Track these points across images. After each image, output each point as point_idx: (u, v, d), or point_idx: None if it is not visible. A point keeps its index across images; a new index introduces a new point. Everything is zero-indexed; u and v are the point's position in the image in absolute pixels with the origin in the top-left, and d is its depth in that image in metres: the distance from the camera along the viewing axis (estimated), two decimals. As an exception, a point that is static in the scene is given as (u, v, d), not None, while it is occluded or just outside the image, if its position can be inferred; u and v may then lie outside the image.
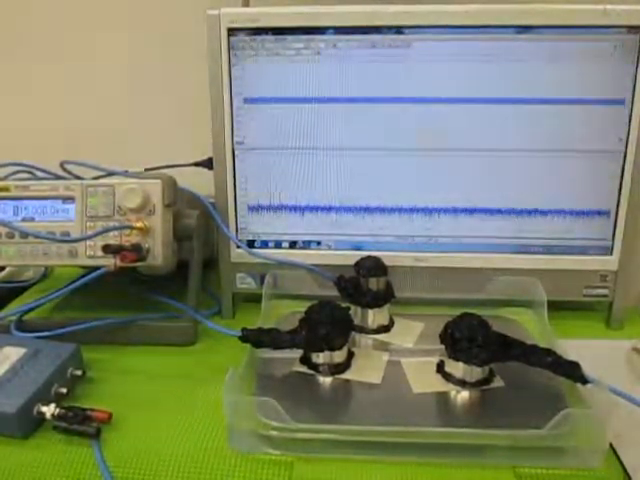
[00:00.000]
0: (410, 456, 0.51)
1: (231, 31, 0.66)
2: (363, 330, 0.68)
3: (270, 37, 0.67)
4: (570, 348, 0.59)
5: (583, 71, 0.65)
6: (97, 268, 0.62)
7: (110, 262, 0.61)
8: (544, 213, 0.69)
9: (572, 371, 0.54)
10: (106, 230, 0.61)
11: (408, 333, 0.68)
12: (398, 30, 0.65)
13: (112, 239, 0.63)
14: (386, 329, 0.68)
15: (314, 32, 0.66)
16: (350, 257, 0.70)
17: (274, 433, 0.51)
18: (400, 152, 0.69)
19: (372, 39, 0.66)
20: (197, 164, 0.77)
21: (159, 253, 0.63)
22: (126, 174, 0.68)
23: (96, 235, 0.61)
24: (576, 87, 0.66)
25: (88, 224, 0.64)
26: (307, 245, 0.73)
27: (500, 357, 0.56)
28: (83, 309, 0.76)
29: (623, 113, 0.66)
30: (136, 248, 0.60)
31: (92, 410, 0.54)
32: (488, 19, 0.65)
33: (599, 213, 0.69)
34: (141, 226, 0.62)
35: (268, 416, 0.50)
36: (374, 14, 0.65)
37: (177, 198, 0.66)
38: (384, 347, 0.66)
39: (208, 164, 0.72)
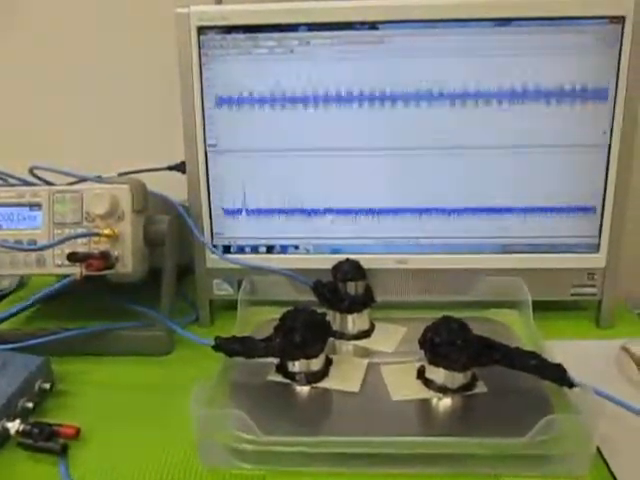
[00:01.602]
0: (389, 468, 0.49)
1: (201, 30, 0.64)
2: (343, 336, 0.66)
3: (241, 35, 0.65)
4: (558, 349, 0.58)
5: (564, 64, 0.63)
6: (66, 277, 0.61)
7: (78, 271, 0.59)
8: (528, 211, 0.67)
9: (557, 374, 0.52)
10: (69, 237, 0.59)
11: (389, 338, 0.65)
12: (372, 26, 0.64)
13: (81, 247, 0.61)
14: (366, 334, 0.66)
15: (286, 29, 0.64)
16: (329, 261, 0.67)
17: (245, 446, 0.49)
18: (378, 152, 0.67)
19: (346, 35, 0.64)
20: (171, 168, 0.75)
21: (129, 260, 0.61)
22: (98, 179, 0.66)
23: (59, 243, 0.59)
24: (558, 80, 0.64)
25: (56, 231, 0.62)
26: (284, 249, 0.71)
27: (481, 361, 0.54)
28: (57, 319, 0.73)
29: (607, 106, 0.64)
30: (104, 256, 0.58)
31: (59, 425, 0.52)
32: (465, 13, 0.63)
33: (585, 209, 0.67)
34: (109, 233, 0.60)
35: (238, 429, 0.48)
36: (347, 10, 0.63)
37: (148, 203, 0.64)
38: (364, 353, 0.63)
39: (182, 168, 0.70)
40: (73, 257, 0.57)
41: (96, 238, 0.60)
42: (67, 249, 0.60)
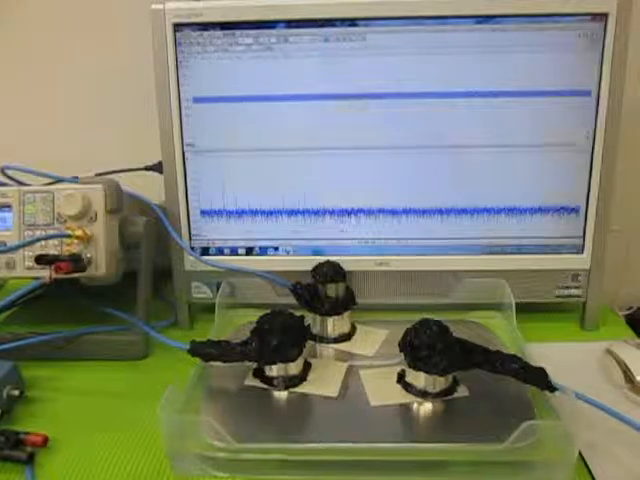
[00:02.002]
0: (367, 475, 0.47)
1: (177, 26, 0.63)
2: (323, 339, 0.64)
3: (218, 32, 0.63)
4: (542, 352, 0.57)
5: (546, 62, 0.62)
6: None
7: (47, 273, 0.57)
8: (511, 211, 0.66)
9: (538, 378, 0.51)
10: (38, 239, 0.57)
11: (370, 341, 0.64)
12: (352, 22, 0.62)
13: (53, 249, 0.59)
14: (347, 337, 0.65)
15: (264, 26, 0.63)
16: (310, 262, 0.66)
17: (218, 454, 0.47)
18: (359, 151, 0.66)
19: (325, 32, 0.63)
20: (148, 168, 0.73)
21: (102, 262, 0.59)
22: (72, 180, 0.64)
23: (27, 244, 0.57)
24: (540, 79, 0.63)
25: (27, 233, 0.60)
26: (264, 251, 0.70)
27: (462, 365, 0.53)
28: (31, 323, 0.72)
29: (590, 105, 0.63)
30: (74, 258, 0.57)
31: (26, 434, 0.51)
32: (446, 9, 0.61)
33: (569, 210, 0.66)
34: (81, 234, 0.58)
35: (210, 436, 0.47)
36: (326, 6, 0.62)
37: (122, 204, 0.63)
38: (345, 357, 0.62)
39: (160, 168, 0.69)
40: (41, 260, 0.55)
41: (68, 240, 0.58)
42: (38, 251, 0.58)
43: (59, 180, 0.66)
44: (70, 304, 0.72)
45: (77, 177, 0.66)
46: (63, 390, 0.60)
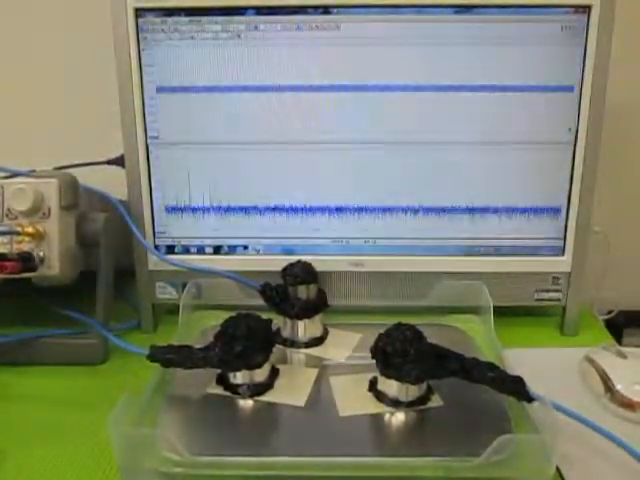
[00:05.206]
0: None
1: (139, 11, 0.59)
2: (293, 343, 0.61)
3: (183, 18, 0.60)
4: (520, 358, 0.54)
5: (528, 55, 0.60)
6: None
7: (-6, 273, 0.53)
8: (490, 211, 0.64)
9: (515, 388, 0.48)
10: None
11: (342, 346, 0.61)
12: (325, 10, 0.59)
13: (1, 247, 0.55)
14: (319, 342, 0.62)
15: (233, 12, 0.59)
16: (281, 262, 0.62)
17: (174, 469, 0.44)
18: (332, 145, 0.63)
19: (297, 20, 0.59)
20: (110, 162, 0.69)
21: (55, 261, 0.55)
22: (29, 174, 0.60)
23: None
24: (521, 73, 0.60)
25: (-26, 229, 0.56)
26: (233, 250, 0.66)
27: (436, 373, 0.50)
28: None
29: (572, 101, 0.61)
30: (24, 257, 0.53)
31: (-33, 447, 0.47)
32: (424, -2, 0.59)
33: (549, 210, 0.64)
34: (32, 231, 0.54)
35: (165, 449, 0.43)
36: (298, -8, 0.59)
37: (79, 199, 0.59)
38: (316, 362, 0.59)
39: (122, 162, 0.65)
40: (-17, 259, 0.51)
41: (18, 237, 0.54)
42: (-12, 250, 0.55)
43: (15, 174, 0.62)
44: (24, 305, 0.68)
45: (34, 171, 0.63)
46: (12, 398, 0.56)
